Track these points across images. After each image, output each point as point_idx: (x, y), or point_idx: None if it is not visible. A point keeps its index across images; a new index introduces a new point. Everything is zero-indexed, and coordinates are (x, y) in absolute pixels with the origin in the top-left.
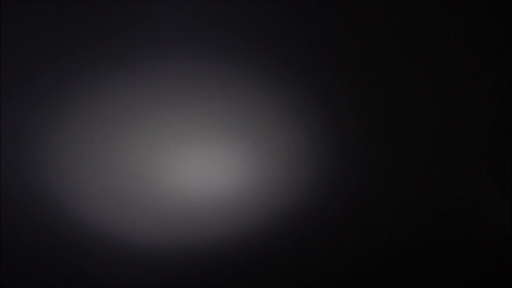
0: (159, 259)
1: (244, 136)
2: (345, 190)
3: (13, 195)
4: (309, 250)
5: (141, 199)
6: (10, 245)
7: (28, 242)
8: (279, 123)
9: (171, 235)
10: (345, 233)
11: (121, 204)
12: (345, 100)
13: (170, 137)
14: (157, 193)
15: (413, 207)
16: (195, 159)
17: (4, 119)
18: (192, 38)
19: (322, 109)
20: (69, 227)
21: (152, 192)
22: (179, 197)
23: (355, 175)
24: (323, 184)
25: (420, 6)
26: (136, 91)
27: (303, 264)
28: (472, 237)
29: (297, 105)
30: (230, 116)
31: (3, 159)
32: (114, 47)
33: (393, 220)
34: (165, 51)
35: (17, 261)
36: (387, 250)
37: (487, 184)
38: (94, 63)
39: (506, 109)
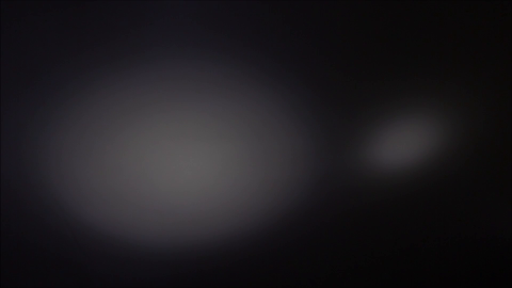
0: (159, 258)
1: (244, 137)
2: (345, 191)
3: (14, 194)
4: (309, 250)
5: (142, 199)
6: (11, 244)
7: (30, 241)
8: (280, 124)
9: (171, 234)
10: (344, 233)
11: (122, 204)
12: (345, 100)
13: (170, 138)
14: (157, 193)
15: (413, 207)
16: (195, 160)
17: (5, 120)
18: (193, 40)
19: (321, 110)
20: (70, 226)
21: (153, 192)
22: (179, 197)
23: (355, 176)
24: (323, 184)
25: (419, 6)
26: (137, 93)
27: (302, 264)
28: (472, 238)
29: (296, 106)
30: (231, 117)
31: (5, 159)
32: (116, 48)
33: (393, 221)
34: (166, 52)
35: (19, 260)
36: (387, 251)
37: (487, 184)
38: (95, 65)
39: (505, 108)
